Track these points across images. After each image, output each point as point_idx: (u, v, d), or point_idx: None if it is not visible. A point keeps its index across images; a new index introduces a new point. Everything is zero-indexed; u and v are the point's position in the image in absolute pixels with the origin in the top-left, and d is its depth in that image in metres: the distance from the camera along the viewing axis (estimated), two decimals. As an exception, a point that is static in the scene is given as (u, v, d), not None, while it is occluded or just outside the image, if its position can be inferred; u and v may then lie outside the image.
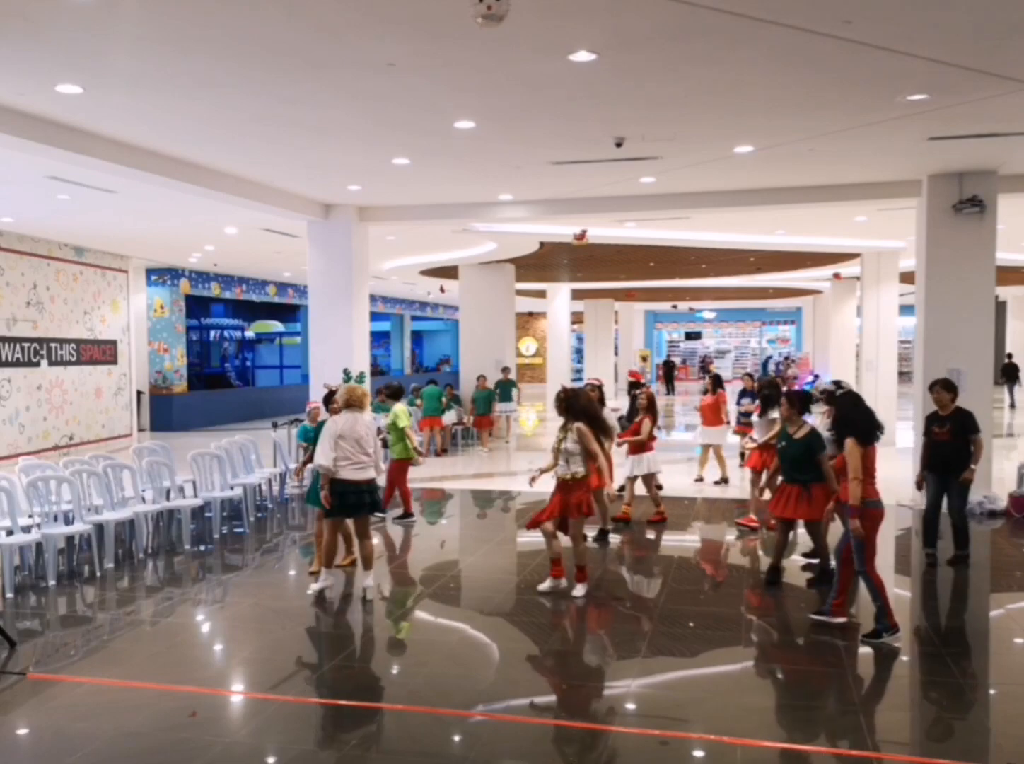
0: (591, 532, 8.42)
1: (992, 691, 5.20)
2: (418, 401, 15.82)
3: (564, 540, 6.93)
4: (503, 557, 8.46)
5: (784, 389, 8.55)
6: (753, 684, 5.31)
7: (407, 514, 9.71)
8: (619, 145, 8.21)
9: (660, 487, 9.85)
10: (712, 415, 11.66)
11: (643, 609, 6.66)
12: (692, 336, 41.72)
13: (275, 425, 12.04)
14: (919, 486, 8.00)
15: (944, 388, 7.65)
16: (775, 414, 8.24)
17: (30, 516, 7.55)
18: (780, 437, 7.16)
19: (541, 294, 27.64)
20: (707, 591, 7.16)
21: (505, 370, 17.63)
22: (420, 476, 12.44)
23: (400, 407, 9.70)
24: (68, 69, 6.13)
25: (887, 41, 5.59)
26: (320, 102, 6.99)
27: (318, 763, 4.23)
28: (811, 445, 6.85)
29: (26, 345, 14.43)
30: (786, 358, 26.43)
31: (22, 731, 4.69)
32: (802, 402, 7.16)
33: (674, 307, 37.14)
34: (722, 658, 5.70)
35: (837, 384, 9.40)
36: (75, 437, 15.71)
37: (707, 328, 41.78)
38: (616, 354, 33.43)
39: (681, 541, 8.88)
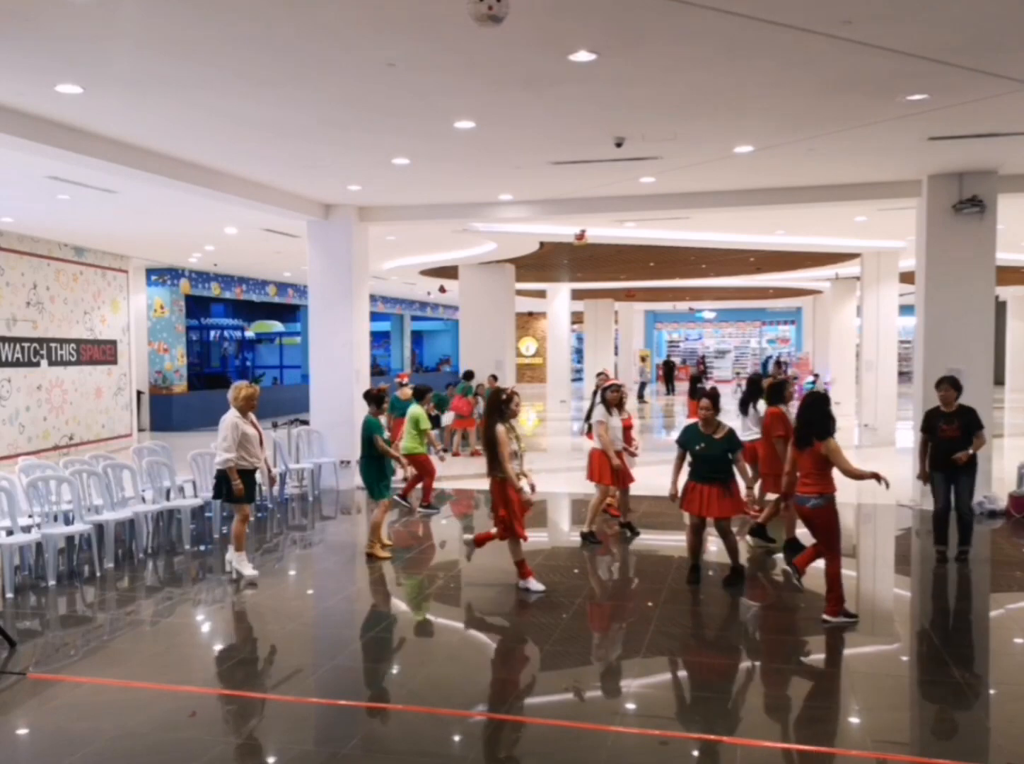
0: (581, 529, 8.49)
1: (992, 691, 5.20)
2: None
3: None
4: (503, 557, 8.44)
5: (712, 386, 8.86)
6: (753, 684, 5.31)
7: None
8: (619, 145, 8.21)
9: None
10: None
11: (643, 609, 6.65)
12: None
13: (275, 425, 12.03)
14: (925, 480, 8.02)
15: (952, 386, 7.83)
16: (760, 407, 8.80)
17: (30, 516, 7.55)
18: (697, 438, 7.17)
19: (541, 294, 27.65)
20: (707, 590, 7.14)
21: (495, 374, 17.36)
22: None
23: (418, 409, 10.27)
24: (68, 69, 6.13)
25: (887, 41, 5.59)
26: (320, 102, 6.99)
27: (318, 763, 4.23)
28: (733, 445, 7.16)
29: (26, 345, 14.43)
30: (777, 362, 25.26)
31: (22, 731, 4.69)
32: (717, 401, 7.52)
33: (674, 307, 37.16)
34: (722, 658, 5.71)
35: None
36: (75, 437, 15.71)
37: (707, 328, 41.79)
38: (616, 354, 33.45)
39: (679, 541, 8.87)
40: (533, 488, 7.07)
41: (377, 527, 8.16)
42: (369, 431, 8.16)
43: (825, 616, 6.17)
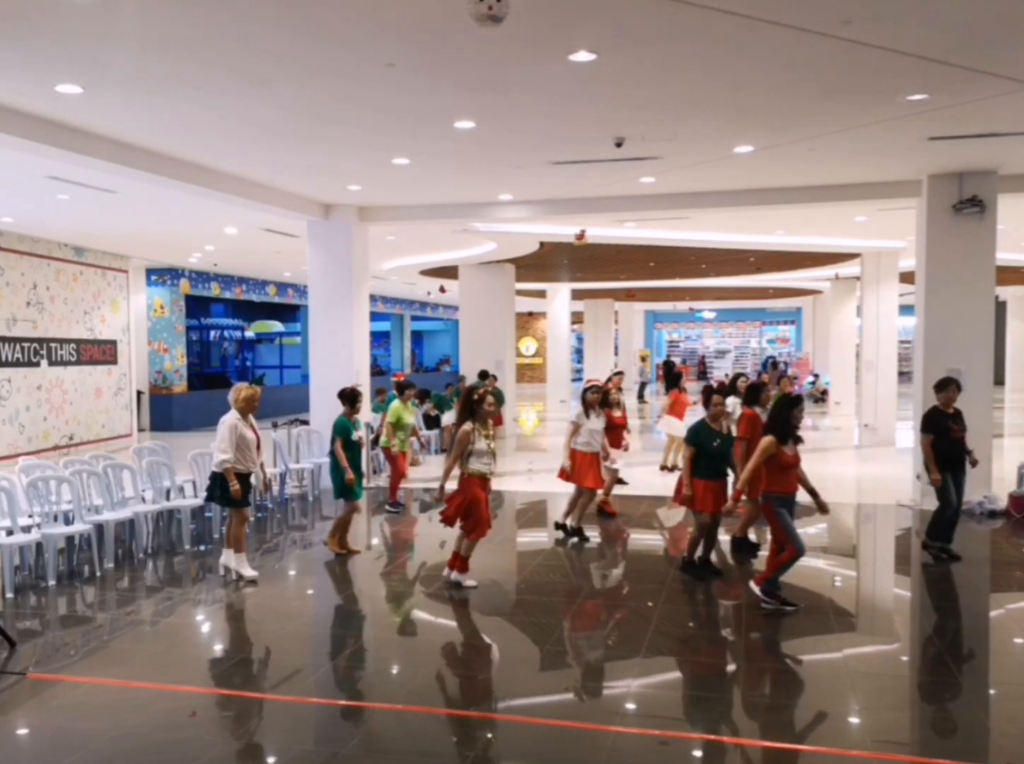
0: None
1: (992, 691, 5.20)
2: (416, 401, 15.90)
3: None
4: (503, 557, 8.45)
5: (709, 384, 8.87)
6: (753, 684, 5.30)
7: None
8: (619, 145, 8.21)
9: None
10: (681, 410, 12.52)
11: (643, 609, 6.65)
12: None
13: (275, 425, 12.02)
14: (938, 483, 7.78)
15: (958, 387, 7.86)
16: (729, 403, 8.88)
17: (30, 516, 7.54)
18: (712, 436, 7.15)
19: (541, 294, 27.65)
20: (706, 589, 7.14)
21: (460, 380, 17.54)
22: (420, 476, 12.43)
23: (394, 403, 10.45)
24: (68, 69, 6.13)
25: (887, 41, 5.59)
26: (320, 102, 6.99)
27: (318, 763, 4.23)
28: (732, 441, 7.36)
29: (26, 345, 14.43)
30: (773, 362, 24.31)
31: (22, 731, 4.69)
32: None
33: (674, 307, 37.14)
34: (721, 658, 5.71)
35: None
36: (75, 437, 15.70)
37: (707, 328, 41.80)
38: (616, 354, 33.45)
39: (677, 540, 8.88)
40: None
41: (345, 525, 8.23)
42: (333, 432, 8.17)
43: (752, 583, 6.47)
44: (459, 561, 7.01)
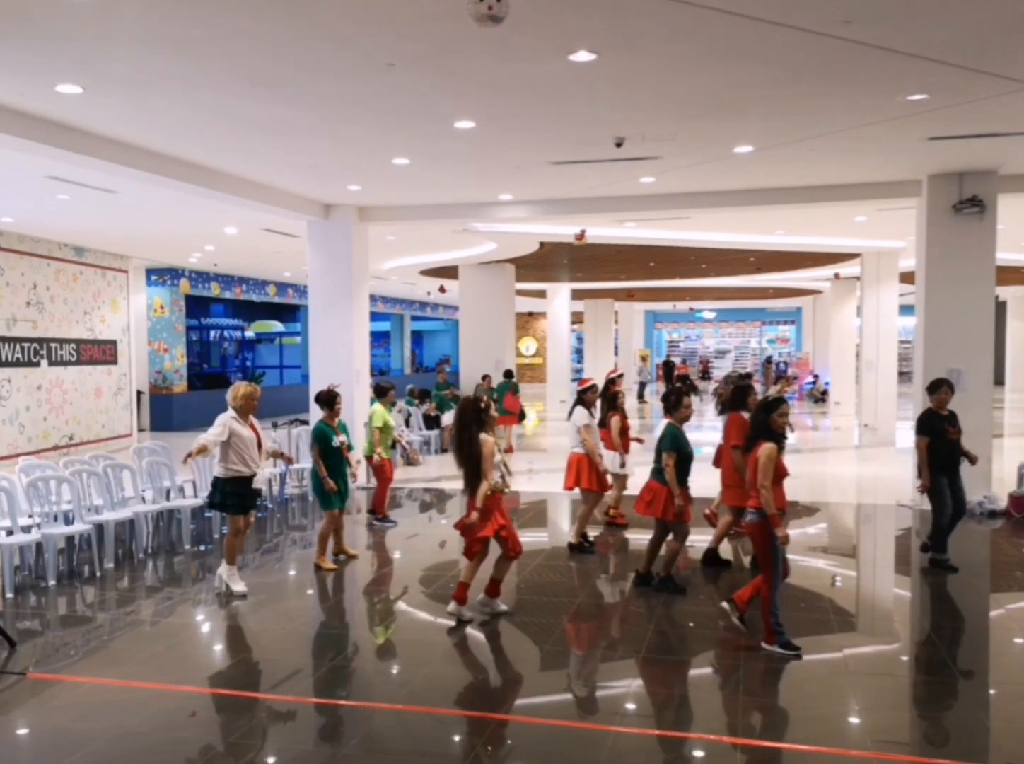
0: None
1: (992, 691, 5.20)
2: (416, 401, 15.95)
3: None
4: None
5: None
6: (753, 684, 5.30)
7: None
8: (619, 145, 8.21)
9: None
10: None
11: (642, 609, 6.65)
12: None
13: (275, 425, 12.03)
14: (929, 491, 7.59)
15: (951, 389, 7.76)
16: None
17: (30, 516, 7.55)
18: (681, 440, 6.74)
19: (541, 294, 27.67)
20: (705, 590, 7.15)
21: (445, 372, 17.27)
22: (421, 476, 12.44)
23: (375, 407, 9.59)
24: (68, 69, 6.13)
25: (887, 41, 5.59)
26: (320, 102, 6.99)
27: (318, 763, 4.23)
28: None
29: (26, 345, 14.43)
30: (768, 360, 23.42)
31: (22, 731, 4.69)
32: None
33: (674, 307, 37.15)
34: (721, 658, 5.71)
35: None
36: (75, 437, 15.71)
37: (707, 328, 41.82)
38: (616, 354, 33.47)
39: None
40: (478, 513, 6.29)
41: (324, 539, 7.76)
42: (311, 439, 7.72)
43: (763, 644, 5.65)
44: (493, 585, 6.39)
